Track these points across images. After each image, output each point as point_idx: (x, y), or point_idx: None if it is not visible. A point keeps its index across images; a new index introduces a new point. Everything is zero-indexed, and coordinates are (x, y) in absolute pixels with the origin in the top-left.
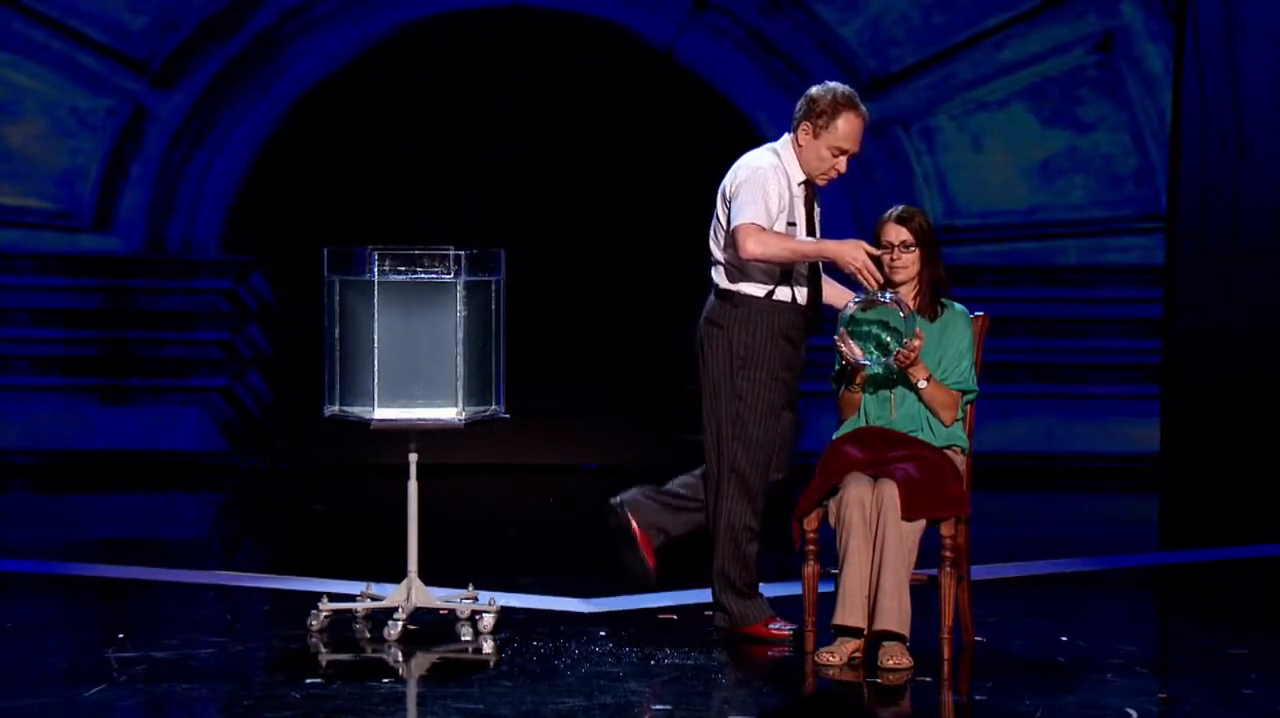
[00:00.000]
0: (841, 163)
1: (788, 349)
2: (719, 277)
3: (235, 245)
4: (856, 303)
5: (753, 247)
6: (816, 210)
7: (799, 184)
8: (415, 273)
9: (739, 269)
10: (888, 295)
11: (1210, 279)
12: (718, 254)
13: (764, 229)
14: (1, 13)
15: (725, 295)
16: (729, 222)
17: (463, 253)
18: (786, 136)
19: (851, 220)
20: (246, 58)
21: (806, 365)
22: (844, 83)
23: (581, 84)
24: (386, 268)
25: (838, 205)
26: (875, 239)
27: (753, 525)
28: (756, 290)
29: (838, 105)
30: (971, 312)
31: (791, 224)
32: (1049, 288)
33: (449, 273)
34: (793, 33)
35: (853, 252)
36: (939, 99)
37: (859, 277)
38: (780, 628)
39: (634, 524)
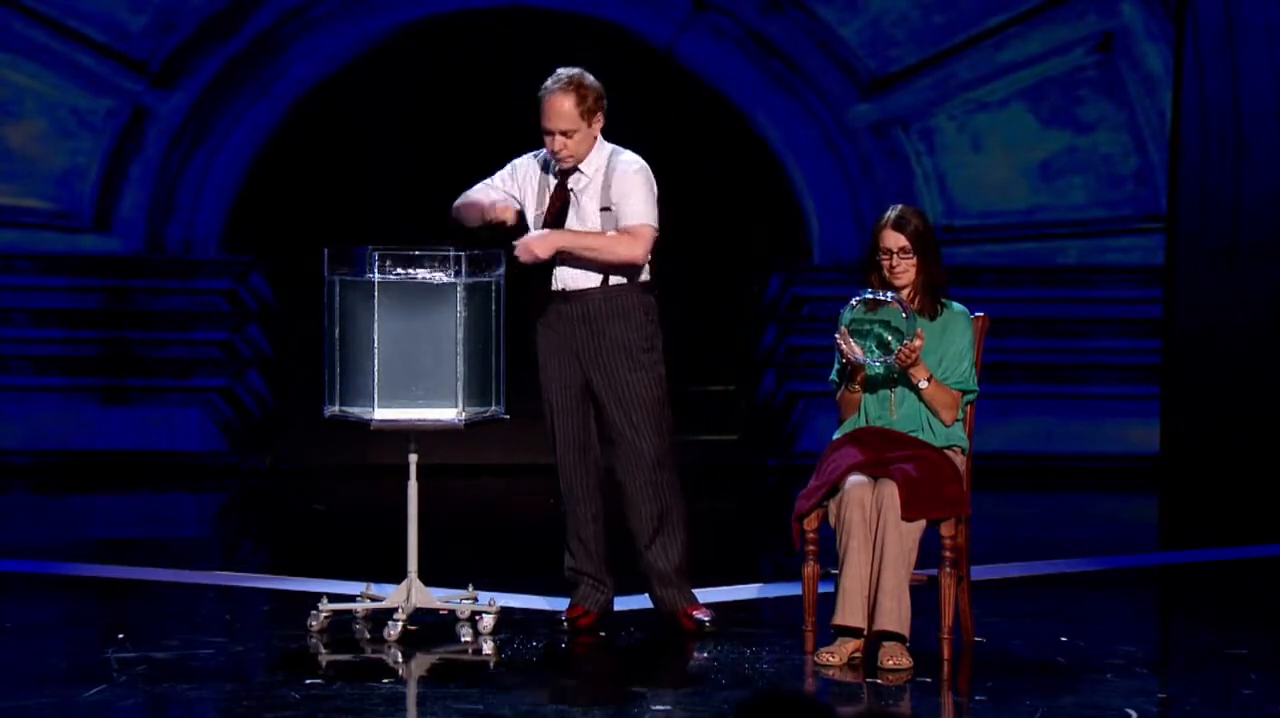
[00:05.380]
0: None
1: None
2: (620, 273)
3: (235, 245)
4: (857, 303)
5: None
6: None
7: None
8: (415, 273)
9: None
10: (889, 295)
11: (1210, 279)
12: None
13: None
14: (1, 13)
15: (649, 287)
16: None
17: (463, 253)
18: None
19: (851, 220)
20: (246, 58)
21: (807, 365)
22: (843, 82)
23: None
24: (386, 268)
25: (837, 205)
26: (873, 244)
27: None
28: (646, 276)
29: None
30: (971, 312)
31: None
32: (1049, 288)
33: (449, 273)
34: (793, 33)
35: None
36: (939, 99)
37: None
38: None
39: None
